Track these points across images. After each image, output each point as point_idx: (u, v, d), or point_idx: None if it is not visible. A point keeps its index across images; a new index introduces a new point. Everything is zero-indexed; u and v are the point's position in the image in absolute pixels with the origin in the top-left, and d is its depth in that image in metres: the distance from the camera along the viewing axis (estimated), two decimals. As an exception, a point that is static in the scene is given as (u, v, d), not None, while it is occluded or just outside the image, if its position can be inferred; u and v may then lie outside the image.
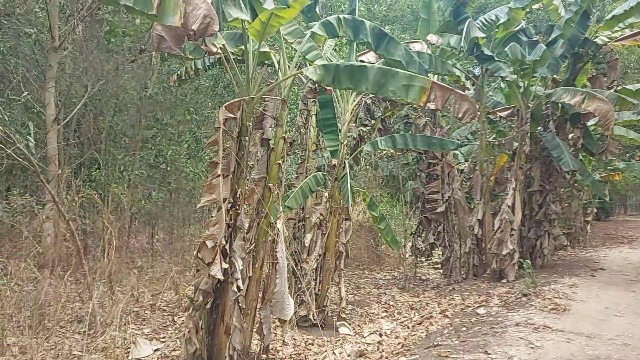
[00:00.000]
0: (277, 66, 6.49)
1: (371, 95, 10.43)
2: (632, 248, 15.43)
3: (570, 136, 11.61)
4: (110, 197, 9.54)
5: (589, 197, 16.11)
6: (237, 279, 5.02)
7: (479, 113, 10.29)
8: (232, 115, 5.15)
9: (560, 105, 10.50)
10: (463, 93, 6.08)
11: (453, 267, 11.04)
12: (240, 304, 5.28)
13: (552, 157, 10.25)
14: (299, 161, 8.49)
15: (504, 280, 9.74)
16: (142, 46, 10.56)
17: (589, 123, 11.42)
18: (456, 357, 5.09)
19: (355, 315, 9.10)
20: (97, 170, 10.47)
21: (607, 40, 10.00)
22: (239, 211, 5.28)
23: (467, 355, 5.14)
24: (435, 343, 5.87)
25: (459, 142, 11.35)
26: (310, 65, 6.57)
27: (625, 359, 4.97)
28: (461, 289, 9.78)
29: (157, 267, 9.80)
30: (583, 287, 8.72)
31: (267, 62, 7.18)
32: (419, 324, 7.85)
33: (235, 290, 5.01)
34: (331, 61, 7.55)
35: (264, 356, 6.01)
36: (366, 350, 6.67)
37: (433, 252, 12.03)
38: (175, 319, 7.39)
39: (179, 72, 8.15)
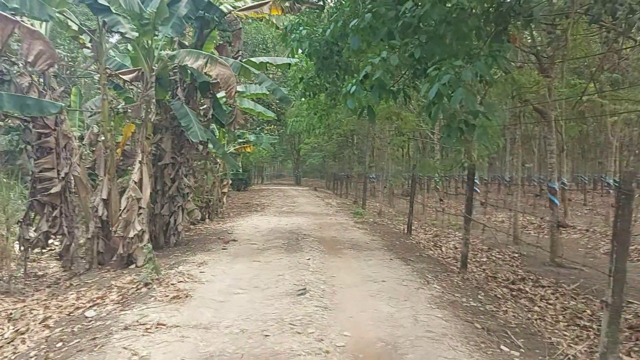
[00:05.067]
0: None
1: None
2: (263, 215, 16.62)
3: (203, 107, 11.20)
4: None
5: (225, 169, 16.50)
6: None
7: (98, 74, 8.68)
8: None
9: (189, 72, 9.85)
10: (35, 29, 4.45)
11: (74, 257, 9.28)
12: None
13: (182, 127, 9.53)
14: None
15: (133, 266, 8.64)
16: None
17: (219, 95, 11.23)
18: (24, 402, 3.58)
19: None
20: None
21: (232, 8, 9.77)
22: None
23: (41, 394, 3.68)
24: (8, 379, 4.19)
25: (65, 105, 9.39)
26: None
27: (240, 350, 4.43)
28: (81, 282, 8.15)
29: None
30: (212, 263, 8.35)
31: None
32: (9, 343, 5.90)
33: None
34: None
35: None
36: None
37: (50, 242, 9.90)
38: None
39: None
